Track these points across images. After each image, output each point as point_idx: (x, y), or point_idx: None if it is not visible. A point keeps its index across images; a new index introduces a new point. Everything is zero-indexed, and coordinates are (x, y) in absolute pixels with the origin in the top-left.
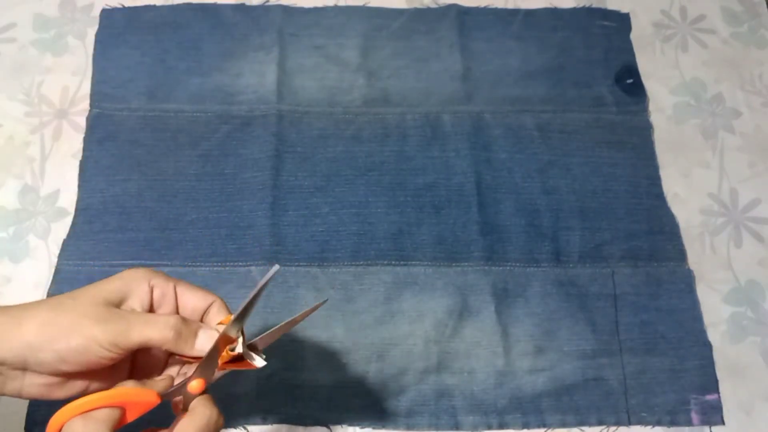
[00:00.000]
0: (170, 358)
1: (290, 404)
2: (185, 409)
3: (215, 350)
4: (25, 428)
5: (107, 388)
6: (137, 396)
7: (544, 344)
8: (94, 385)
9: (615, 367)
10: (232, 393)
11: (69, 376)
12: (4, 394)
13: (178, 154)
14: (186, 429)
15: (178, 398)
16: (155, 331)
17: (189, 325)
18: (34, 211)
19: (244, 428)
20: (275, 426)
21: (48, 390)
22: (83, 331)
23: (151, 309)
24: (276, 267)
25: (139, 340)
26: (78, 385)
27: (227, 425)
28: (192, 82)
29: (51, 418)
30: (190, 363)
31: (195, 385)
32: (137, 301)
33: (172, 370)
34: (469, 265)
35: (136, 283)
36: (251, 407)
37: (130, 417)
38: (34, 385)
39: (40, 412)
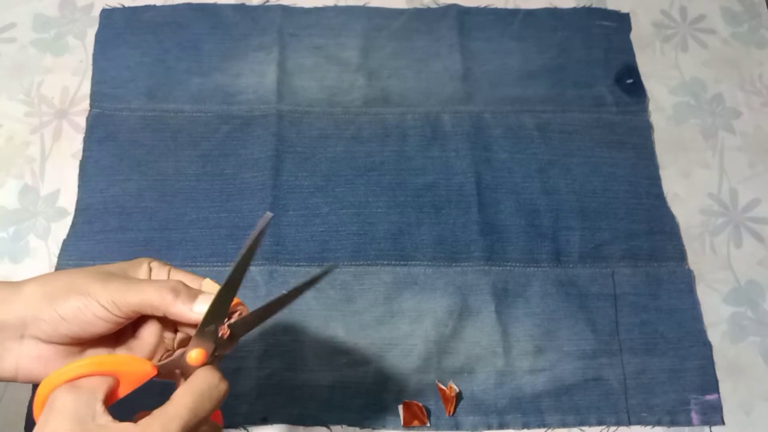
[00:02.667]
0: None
1: (290, 404)
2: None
3: (213, 319)
4: (25, 428)
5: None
6: (131, 364)
7: (544, 344)
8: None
9: (615, 367)
10: (232, 393)
11: (67, 344)
12: (2, 378)
13: (178, 154)
14: (183, 395)
15: (178, 372)
16: (154, 292)
17: (188, 288)
18: (34, 211)
19: (244, 428)
20: (275, 426)
21: (45, 365)
22: (82, 288)
23: None
24: (269, 214)
25: (138, 301)
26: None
27: (227, 425)
28: (192, 82)
29: (38, 388)
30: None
31: (195, 355)
32: (137, 276)
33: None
34: (469, 265)
35: (137, 264)
36: (251, 407)
37: (124, 390)
38: (32, 358)
39: None
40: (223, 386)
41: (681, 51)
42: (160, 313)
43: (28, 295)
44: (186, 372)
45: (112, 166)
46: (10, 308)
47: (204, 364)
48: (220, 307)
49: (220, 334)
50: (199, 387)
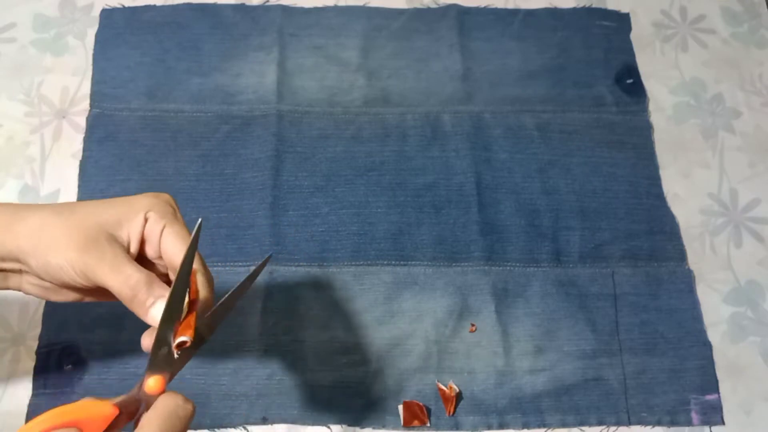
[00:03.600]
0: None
1: (290, 404)
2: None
3: (165, 340)
4: None
5: (99, 300)
6: (91, 409)
7: (544, 344)
8: (88, 297)
9: (615, 367)
10: (232, 393)
11: (62, 286)
12: (8, 288)
13: (178, 154)
14: (150, 419)
15: (143, 407)
16: (115, 283)
17: (151, 290)
18: None
19: (244, 428)
20: (275, 426)
21: (45, 292)
22: (62, 252)
23: (142, 243)
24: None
25: (102, 283)
26: (71, 295)
27: (227, 425)
28: (192, 82)
29: None
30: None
31: (153, 383)
32: (127, 232)
33: None
34: (469, 265)
35: (134, 213)
36: (251, 407)
37: None
38: (32, 284)
39: (39, 412)
40: (189, 406)
41: (681, 51)
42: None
43: (20, 238)
44: (150, 404)
45: (112, 166)
46: (4, 244)
47: (164, 391)
48: (167, 329)
49: (175, 355)
50: (166, 409)
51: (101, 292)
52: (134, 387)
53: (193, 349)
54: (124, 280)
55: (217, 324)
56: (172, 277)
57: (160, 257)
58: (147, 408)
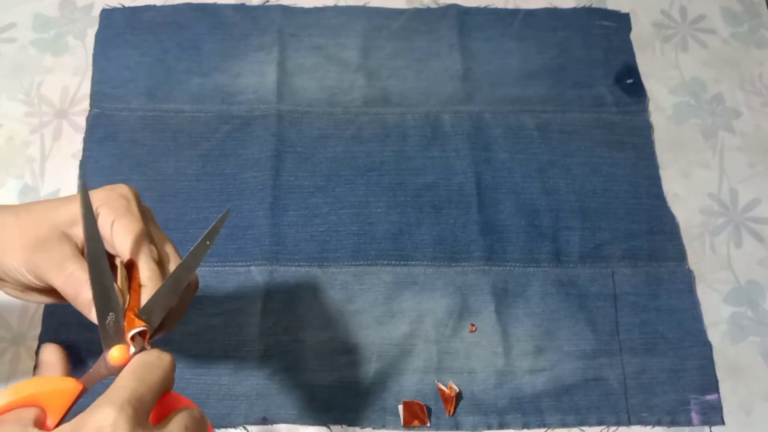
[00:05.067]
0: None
1: (290, 404)
2: None
3: (107, 310)
4: None
5: (64, 303)
6: (52, 384)
7: (544, 344)
8: (53, 299)
9: (615, 367)
10: (232, 393)
11: (21, 286)
12: None
13: (178, 154)
14: (125, 372)
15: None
16: (59, 281)
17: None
18: None
19: (244, 428)
20: (275, 426)
21: (17, 293)
22: (16, 253)
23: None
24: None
25: (49, 282)
26: (37, 296)
27: (227, 425)
28: (192, 82)
29: None
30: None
31: (117, 353)
32: (80, 230)
33: None
34: (469, 265)
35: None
36: (251, 407)
37: (54, 415)
38: (5, 286)
39: None
40: (166, 356)
41: (681, 51)
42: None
43: None
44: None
45: (112, 166)
46: None
47: (130, 358)
48: (107, 299)
49: (129, 328)
50: (140, 360)
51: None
52: (98, 362)
53: (171, 322)
54: (66, 278)
55: (184, 293)
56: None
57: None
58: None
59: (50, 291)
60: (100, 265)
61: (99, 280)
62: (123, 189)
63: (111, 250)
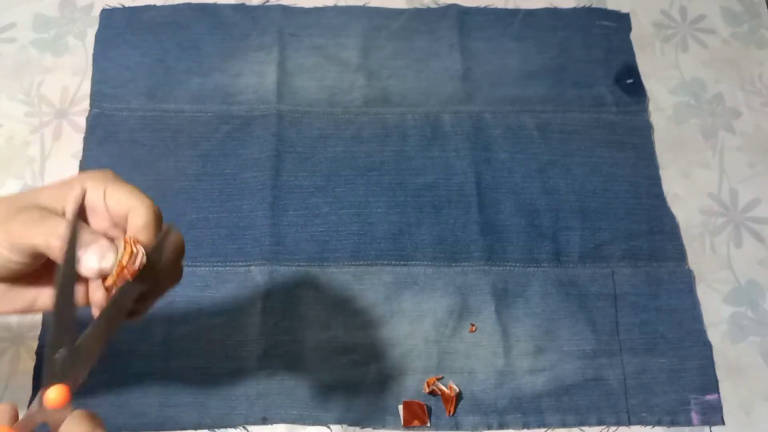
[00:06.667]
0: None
1: (290, 404)
2: None
3: (61, 341)
4: None
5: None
6: None
7: (544, 344)
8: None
9: (615, 367)
10: (232, 393)
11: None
12: None
13: (178, 154)
14: None
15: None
16: (41, 236)
17: (81, 235)
18: None
19: (244, 428)
20: (275, 426)
21: None
22: None
23: (84, 217)
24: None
25: (29, 243)
26: (5, 303)
27: (228, 425)
28: (192, 82)
29: None
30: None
31: (53, 395)
32: (61, 205)
33: None
34: (469, 265)
35: (69, 188)
36: (251, 407)
37: None
38: None
39: None
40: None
41: (681, 51)
42: (55, 259)
43: None
44: (54, 423)
45: (112, 166)
46: None
47: (69, 402)
48: (64, 331)
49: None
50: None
51: (41, 299)
52: (34, 403)
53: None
54: (49, 229)
55: (171, 253)
56: (128, 235)
57: (112, 226)
58: (53, 428)
59: (27, 281)
60: (66, 293)
61: (62, 307)
62: (107, 170)
63: (106, 222)
